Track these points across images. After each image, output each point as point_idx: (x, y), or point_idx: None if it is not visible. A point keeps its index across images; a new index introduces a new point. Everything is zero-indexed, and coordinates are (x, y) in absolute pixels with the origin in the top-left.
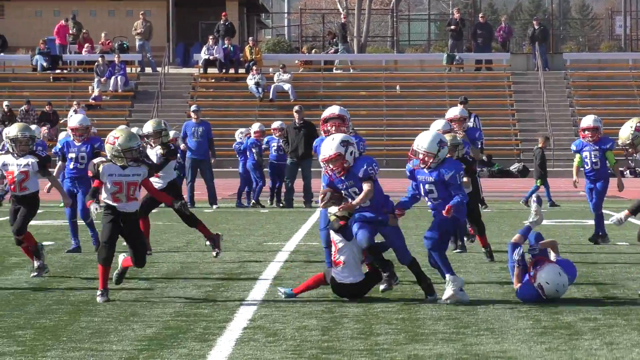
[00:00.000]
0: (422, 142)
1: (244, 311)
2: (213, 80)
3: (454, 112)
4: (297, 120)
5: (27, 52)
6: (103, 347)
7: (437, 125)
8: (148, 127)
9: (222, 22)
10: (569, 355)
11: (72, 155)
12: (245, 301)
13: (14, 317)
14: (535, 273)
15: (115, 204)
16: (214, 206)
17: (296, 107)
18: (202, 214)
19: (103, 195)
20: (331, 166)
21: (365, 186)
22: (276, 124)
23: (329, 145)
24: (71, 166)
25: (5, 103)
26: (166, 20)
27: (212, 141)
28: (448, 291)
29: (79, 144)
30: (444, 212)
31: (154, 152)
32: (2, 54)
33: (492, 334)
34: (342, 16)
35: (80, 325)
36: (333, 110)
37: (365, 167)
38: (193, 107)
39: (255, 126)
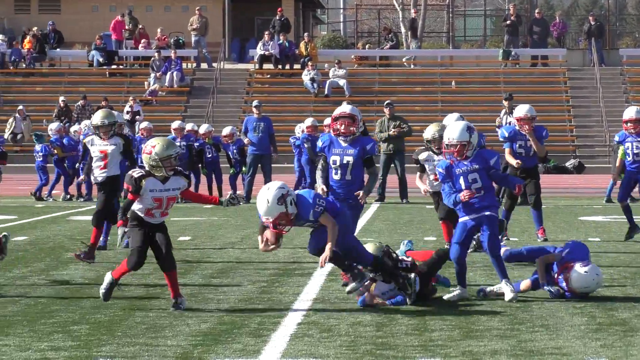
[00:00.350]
0: (453, 133)
1: (299, 307)
2: (268, 76)
3: (523, 110)
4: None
5: (83, 48)
6: (158, 342)
7: (451, 118)
8: (97, 118)
9: (277, 17)
10: (624, 351)
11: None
12: (300, 297)
13: (69, 312)
14: (566, 277)
15: (146, 218)
16: None
17: (345, 103)
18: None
19: (136, 207)
20: (273, 223)
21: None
22: (328, 121)
23: (263, 204)
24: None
25: (61, 98)
26: (222, 16)
27: (274, 136)
28: (507, 293)
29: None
30: (515, 191)
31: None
32: (58, 49)
33: (547, 330)
34: (412, 11)
35: (135, 321)
36: (344, 109)
37: (311, 210)
38: (255, 103)
39: (308, 121)
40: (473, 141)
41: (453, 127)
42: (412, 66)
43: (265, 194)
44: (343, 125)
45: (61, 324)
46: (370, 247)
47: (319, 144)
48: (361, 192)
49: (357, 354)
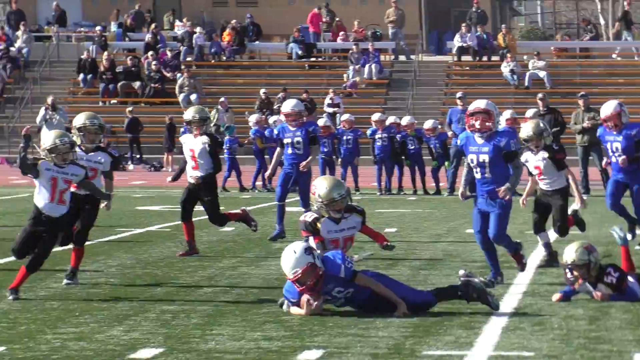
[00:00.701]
0: (480, 104)
1: (510, 300)
2: (467, 68)
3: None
4: (541, 108)
5: (282, 40)
6: (369, 332)
7: (528, 113)
8: (190, 113)
9: (474, 9)
10: None
11: (287, 140)
12: (510, 290)
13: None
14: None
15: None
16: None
17: (540, 95)
18: (462, 201)
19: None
20: (301, 278)
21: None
22: (529, 112)
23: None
24: (289, 151)
25: (262, 90)
26: (418, 8)
27: None
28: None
29: (294, 129)
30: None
31: (198, 142)
32: (257, 42)
33: None
34: (625, 3)
35: (346, 311)
36: (479, 104)
37: (342, 266)
38: (459, 94)
39: (507, 113)
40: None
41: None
42: (635, 58)
43: (291, 247)
44: (478, 121)
45: (273, 314)
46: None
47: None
48: (502, 188)
49: (571, 348)
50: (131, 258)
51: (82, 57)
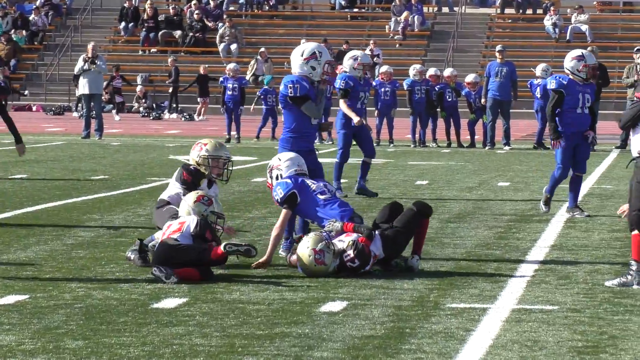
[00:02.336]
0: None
1: (536, 253)
2: (510, 21)
3: None
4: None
5: None
6: (394, 285)
7: None
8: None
9: None
10: None
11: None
12: (537, 243)
13: None
14: None
15: None
16: (506, 147)
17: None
18: (495, 154)
19: None
20: None
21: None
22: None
23: None
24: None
25: (302, 41)
26: None
27: (516, 82)
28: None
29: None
30: None
31: None
32: None
33: None
34: None
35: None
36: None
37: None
38: (498, 47)
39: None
40: None
41: None
42: None
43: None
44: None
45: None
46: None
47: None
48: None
49: (595, 302)
50: None
51: (125, 5)
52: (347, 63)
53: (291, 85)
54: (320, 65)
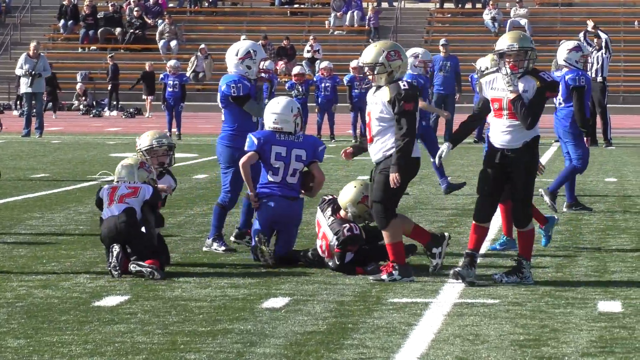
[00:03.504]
0: None
1: None
2: (449, 15)
3: None
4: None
5: None
6: (336, 280)
7: None
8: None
9: None
10: None
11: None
12: None
13: (249, 251)
14: None
15: None
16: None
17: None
18: None
19: None
20: None
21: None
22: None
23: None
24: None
25: (242, 37)
26: None
27: (460, 75)
28: None
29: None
30: None
31: None
32: None
33: None
34: None
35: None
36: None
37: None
38: (442, 41)
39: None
40: None
41: None
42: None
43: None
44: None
45: (241, 261)
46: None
47: None
48: None
49: (536, 295)
50: None
51: (64, 2)
52: (408, 61)
53: (234, 85)
54: (256, 64)
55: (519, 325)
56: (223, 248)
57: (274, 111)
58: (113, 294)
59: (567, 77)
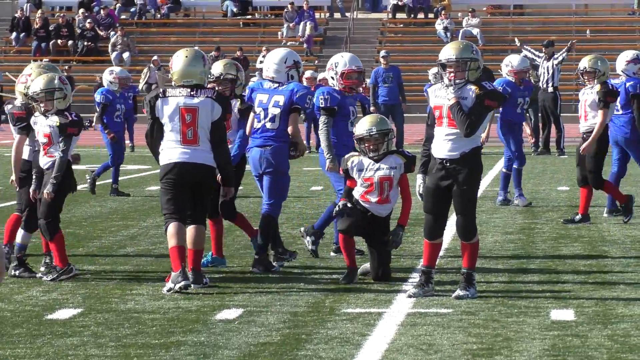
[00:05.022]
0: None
1: None
2: (402, 25)
3: None
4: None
5: None
6: (290, 291)
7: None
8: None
9: None
10: None
11: None
12: None
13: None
14: None
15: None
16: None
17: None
18: None
19: None
20: None
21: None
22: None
23: None
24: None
25: (195, 49)
26: None
27: (402, 86)
28: None
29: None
30: None
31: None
32: None
33: None
34: None
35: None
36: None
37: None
38: (382, 53)
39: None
40: None
41: None
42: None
43: None
44: None
45: None
46: None
47: None
48: None
49: (489, 304)
50: None
51: (16, 15)
52: (503, 69)
53: (322, 97)
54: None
55: (472, 335)
56: (312, 247)
57: (270, 60)
58: (66, 306)
59: (627, 84)
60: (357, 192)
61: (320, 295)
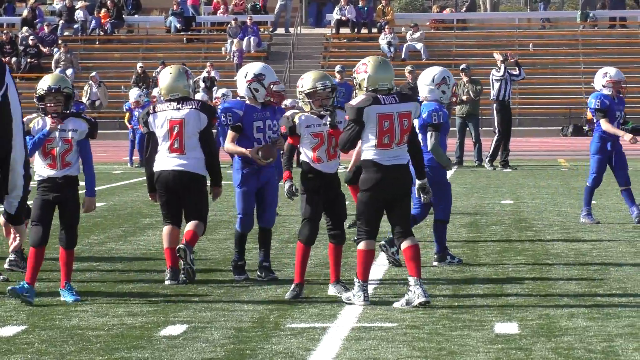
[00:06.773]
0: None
1: (374, 271)
2: (345, 40)
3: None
4: (410, 81)
5: (161, 14)
6: (234, 307)
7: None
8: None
9: None
10: None
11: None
12: (376, 261)
13: (147, 278)
14: None
15: (315, 165)
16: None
17: (408, 67)
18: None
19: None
20: None
21: None
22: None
23: None
24: None
25: (139, 65)
26: None
27: None
28: None
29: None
30: None
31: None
32: (136, 15)
33: (625, 293)
34: None
35: (212, 286)
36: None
37: None
38: (338, 68)
39: None
40: None
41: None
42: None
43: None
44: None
45: (138, 289)
46: None
47: None
48: None
49: (434, 318)
50: None
51: None
52: (597, 81)
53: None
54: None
55: (417, 349)
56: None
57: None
58: (10, 323)
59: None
60: (306, 156)
61: (264, 310)
